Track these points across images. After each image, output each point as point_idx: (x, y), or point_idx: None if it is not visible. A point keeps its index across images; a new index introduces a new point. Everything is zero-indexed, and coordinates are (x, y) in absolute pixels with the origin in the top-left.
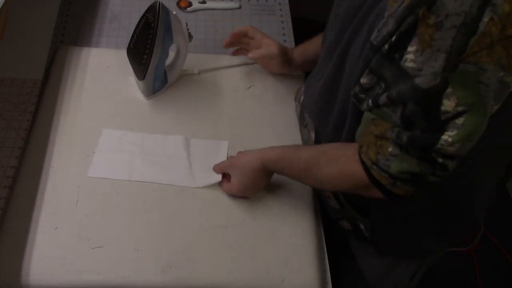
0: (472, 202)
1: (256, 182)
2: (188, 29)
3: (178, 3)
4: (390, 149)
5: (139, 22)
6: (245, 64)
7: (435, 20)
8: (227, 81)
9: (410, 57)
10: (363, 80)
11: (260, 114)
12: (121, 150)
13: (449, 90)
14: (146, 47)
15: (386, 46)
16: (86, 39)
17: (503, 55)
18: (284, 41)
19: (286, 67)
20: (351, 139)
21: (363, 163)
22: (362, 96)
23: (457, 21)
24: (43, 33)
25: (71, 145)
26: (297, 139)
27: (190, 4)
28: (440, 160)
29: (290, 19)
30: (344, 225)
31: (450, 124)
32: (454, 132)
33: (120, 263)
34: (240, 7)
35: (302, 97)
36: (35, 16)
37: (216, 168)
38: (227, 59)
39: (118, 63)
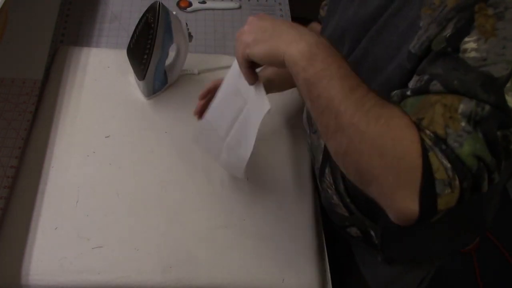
0: (485, 206)
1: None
2: (188, 29)
3: (178, 3)
4: (463, 124)
5: (139, 22)
6: None
7: (494, 11)
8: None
9: (472, 46)
10: (409, 85)
11: None
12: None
13: (508, 84)
14: (146, 47)
15: (440, 45)
16: (86, 39)
17: None
18: None
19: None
20: None
21: (422, 141)
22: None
23: None
24: (43, 33)
25: (71, 145)
26: (301, 136)
27: (190, 4)
28: (501, 155)
29: (290, 19)
30: (352, 233)
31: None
32: None
33: (120, 263)
34: (240, 7)
35: None
36: (35, 16)
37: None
38: (227, 59)
39: (118, 63)
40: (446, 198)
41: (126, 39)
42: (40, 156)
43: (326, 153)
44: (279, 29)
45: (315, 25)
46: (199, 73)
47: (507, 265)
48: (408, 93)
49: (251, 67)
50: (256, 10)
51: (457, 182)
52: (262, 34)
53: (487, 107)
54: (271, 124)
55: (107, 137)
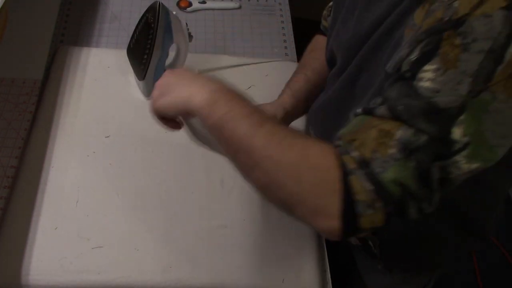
0: (488, 215)
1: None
2: (188, 29)
3: (178, 3)
4: (392, 151)
5: (139, 22)
6: (245, 64)
7: (461, 41)
8: (227, 81)
9: (428, 76)
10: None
11: None
12: None
13: (461, 117)
14: (146, 47)
15: (401, 68)
16: (86, 39)
17: None
18: (284, 41)
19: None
20: None
21: (342, 163)
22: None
23: (485, 45)
24: (43, 33)
25: (71, 145)
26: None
27: (190, 4)
28: (434, 185)
29: (290, 19)
30: (352, 241)
31: (457, 155)
32: (462, 160)
33: (120, 263)
34: (240, 7)
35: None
36: (35, 16)
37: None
38: (227, 59)
39: (118, 63)
40: (370, 218)
41: (126, 39)
42: (40, 156)
43: None
44: (182, 82)
45: (319, 38)
46: (199, 73)
47: (507, 265)
48: (359, 111)
49: (165, 119)
50: (256, 10)
51: (380, 204)
52: (168, 88)
53: (424, 137)
54: None
55: (107, 137)
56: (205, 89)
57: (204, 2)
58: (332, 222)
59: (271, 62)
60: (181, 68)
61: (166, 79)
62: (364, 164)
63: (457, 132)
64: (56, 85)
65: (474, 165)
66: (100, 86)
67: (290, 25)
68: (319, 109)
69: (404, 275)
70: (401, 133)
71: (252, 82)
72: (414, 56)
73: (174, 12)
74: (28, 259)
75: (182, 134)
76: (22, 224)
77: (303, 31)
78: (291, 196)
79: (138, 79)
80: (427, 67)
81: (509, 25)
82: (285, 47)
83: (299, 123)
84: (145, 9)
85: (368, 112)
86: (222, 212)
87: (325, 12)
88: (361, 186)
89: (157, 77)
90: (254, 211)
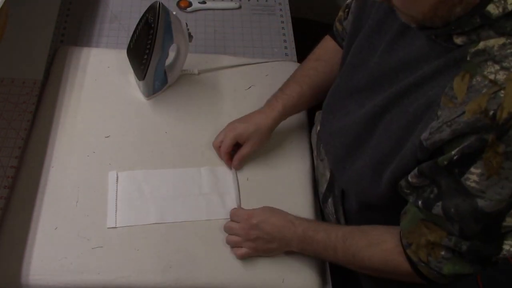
0: None
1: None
2: (188, 29)
3: (178, 3)
4: (442, 253)
5: (139, 22)
6: (245, 64)
7: (504, 149)
8: (227, 81)
9: (474, 178)
10: (412, 180)
11: None
12: (141, 193)
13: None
14: (146, 47)
15: (445, 162)
16: (86, 39)
17: None
18: (284, 41)
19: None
20: (363, 198)
21: (409, 259)
22: (408, 191)
23: None
24: (43, 33)
25: (71, 145)
26: (302, 136)
27: (190, 4)
28: (491, 258)
29: (290, 19)
30: None
31: (509, 234)
32: None
33: (120, 263)
34: (240, 7)
35: (319, 128)
36: (35, 16)
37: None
38: (227, 59)
39: (118, 63)
40: (448, 280)
41: (126, 39)
42: (40, 156)
43: (330, 185)
44: (273, 246)
45: (329, 45)
46: (199, 73)
47: (507, 265)
48: (420, 206)
49: None
50: (256, 10)
51: (448, 279)
52: (267, 250)
53: (464, 247)
54: None
55: (107, 137)
56: (292, 247)
57: (204, 2)
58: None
59: (271, 62)
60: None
61: (258, 246)
62: (423, 262)
63: (509, 221)
64: (56, 85)
65: None
66: (100, 86)
67: (290, 25)
68: (335, 133)
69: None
70: (445, 243)
71: (252, 82)
72: (458, 154)
73: (174, 12)
74: (28, 259)
75: (182, 134)
76: (22, 224)
77: (303, 31)
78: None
79: (138, 79)
80: (473, 169)
81: None
82: (285, 47)
83: (301, 126)
84: (145, 9)
85: (426, 207)
86: (222, 212)
87: (340, 13)
88: (429, 272)
89: (157, 77)
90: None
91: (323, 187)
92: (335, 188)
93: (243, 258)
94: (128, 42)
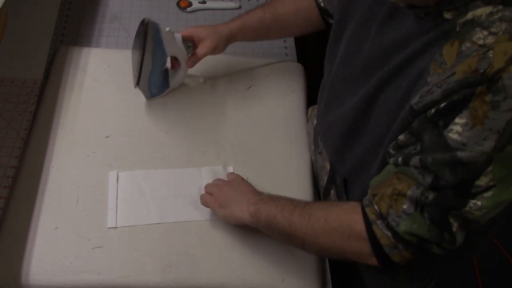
0: (483, 236)
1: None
2: (187, 42)
3: (178, 3)
4: (404, 206)
5: (136, 35)
6: (245, 64)
7: (491, 98)
8: (227, 81)
9: (457, 129)
10: (401, 137)
11: (261, 114)
12: (141, 193)
13: (489, 168)
14: (138, 60)
15: (432, 111)
16: (86, 39)
17: None
18: (284, 41)
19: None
20: (367, 183)
21: (365, 216)
22: (393, 152)
23: None
24: (43, 33)
25: (71, 145)
26: (300, 137)
27: (190, 4)
28: (453, 228)
29: None
30: None
31: (478, 195)
32: (482, 200)
33: (120, 263)
34: (240, 7)
35: (315, 121)
36: (35, 16)
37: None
38: (227, 59)
39: (118, 63)
40: (398, 255)
41: (126, 39)
42: (40, 156)
43: (331, 176)
44: (233, 198)
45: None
46: (204, 82)
47: (508, 265)
48: (400, 161)
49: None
50: None
51: (402, 246)
52: (225, 203)
53: (431, 196)
54: (272, 124)
55: (107, 137)
56: (249, 207)
57: (204, 2)
58: (372, 260)
59: (271, 62)
60: (232, 177)
61: (222, 193)
62: (382, 216)
63: (483, 180)
64: (56, 85)
65: (501, 199)
66: (100, 86)
67: None
68: (332, 124)
69: (405, 279)
70: (411, 192)
71: (252, 82)
72: (446, 104)
73: (167, 29)
74: (28, 259)
75: (182, 135)
76: (22, 224)
77: None
78: (337, 253)
79: (133, 85)
80: (457, 119)
81: None
82: (285, 47)
83: (301, 126)
84: (145, 9)
85: (404, 161)
86: None
87: None
88: (382, 233)
89: (153, 84)
90: None
91: (323, 180)
92: (337, 178)
93: (204, 203)
94: (127, 42)
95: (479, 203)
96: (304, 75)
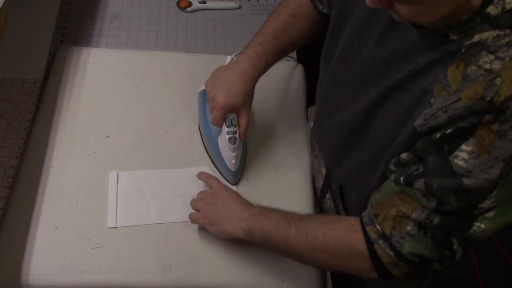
0: None
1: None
2: (228, 135)
3: (178, 3)
4: (408, 228)
5: None
6: None
7: (499, 127)
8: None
9: (463, 156)
10: (403, 156)
11: (261, 112)
12: (141, 193)
13: (493, 193)
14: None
15: (438, 135)
16: (86, 39)
17: None
18: None
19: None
20: (363, 191)
21: (366, 235)
22: (394, 169)
23: None
24: (43, 33)
25: (71, 145)
26: (300, 137)
27: (190, 4)
28: (454, 246)
29: None
30: None
31: (480, 216)
32: (485, 222)
33: (120, 263)
34: (240, 7)
35: (312, 124)
36: (35, 16)
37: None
38: (227, 59)
39: (118, 63)
40: (399, 271)
41: (126, 39)
42: (40, 156)
43: (327, 180)
44: (223, 215)
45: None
46: (204, 81)
47: (508, 265)
48: (402, 181)
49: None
50: (256, 10)
51: (403, 264)
52: (214, 220)
53: (436, 220)
54: (272, 123)
55: (107, 137)
56: (241, 224)
57: (204, 2)
58: (372, 275)
59: None
60: (216, 188)
61: (210, 209)
62: (384, 236)
63: (486, 202)
64: (56, 85)
65: (503, 221)
66: (100, 86)
67: None
68: (329, 130)
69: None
70: (416, 216)
71: None
72: (452, 130)
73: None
74: (28, 259)
75: (182, 135)
76: (22, 224)
77: None
78: (337, 268)
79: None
80: (463, 146)
81: None
82: None
83: (301, 126)
84: (145, 9)
85: (407, 181)
86: None
87: None
88: (385, 252)
89: (225, 168)
90: None
91: (319, 183)
92: (333, 184)
93: (194, 221)
94: (127, 42)
95: (482, 225)
96: (304, 75)
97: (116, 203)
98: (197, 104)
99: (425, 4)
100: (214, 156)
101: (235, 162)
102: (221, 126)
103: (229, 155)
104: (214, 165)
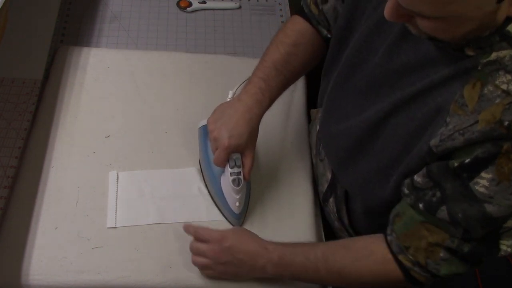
0: None
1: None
2: (232, 176)
3: (178, 3)
4: (441, 255)
5: None
6: (245, 64)
7: None
8: (227, 81)
9: (483, 183)
10: (418, 179)
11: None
12: (141, 194)
13: None
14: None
15: (455, 164)
16: (86, 39)
17: None
18: None
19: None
20: (369, 199)
21: (400, 264)
22: (407, 192)
23: None
24: (43, 33)
25: (71, 145)
26: (300, 137)
27: (190, 4)
28: (483, 259)
29: None
30: None
31: (505, 234)
32: (510, 239)
33: (120, 263)
34: (240, 7)
35: (318, 127)
36: (35, 16)
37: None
38: (227, 59)
39: (118, 63)
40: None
41: (126, 39)
42: (40, 156)
43: (332, 185)
44: (245, 271)
45: (301, 23)
46: (204, 81)
47: (508, 266)
48: (421, 207)
49: None
50: (256, 10)
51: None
52: (235, 275)
53: (466, 248)
54: (272, 124)
55: (107, 137)
56: (266, 274)
57: (204, 2)
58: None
59: None
60: (225, 243)
61: (226, 272)
62: (419, 265)
63: (510, 223)
64: (56, 85)
65: None
66: (100, 86)
67: None
68: (335, 136)
69: None
70: (446, 245)
71: None
72: (470, 160)
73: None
74: (28, 259)
75: (182, 135)
76: (22, 224)
77: None
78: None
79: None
80: (483, 174)
81: None
82: None
83: (301, 126)
84: (145, 9)
85: (428, 209)
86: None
87: None
88: (421, 275)
89: (229, 212)
90: (254, 211)
91: (323, 186)
92: (338, 189)
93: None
94: (127, 42)
95: (509, 249)
96: (304, 75)
97: (116, 203)
98: (197, 140)
99: (448, 20)
100: (216, 196)
101: (239, 205)
102: (224, 166)
103: (232, 197)
104: (216, 205)
